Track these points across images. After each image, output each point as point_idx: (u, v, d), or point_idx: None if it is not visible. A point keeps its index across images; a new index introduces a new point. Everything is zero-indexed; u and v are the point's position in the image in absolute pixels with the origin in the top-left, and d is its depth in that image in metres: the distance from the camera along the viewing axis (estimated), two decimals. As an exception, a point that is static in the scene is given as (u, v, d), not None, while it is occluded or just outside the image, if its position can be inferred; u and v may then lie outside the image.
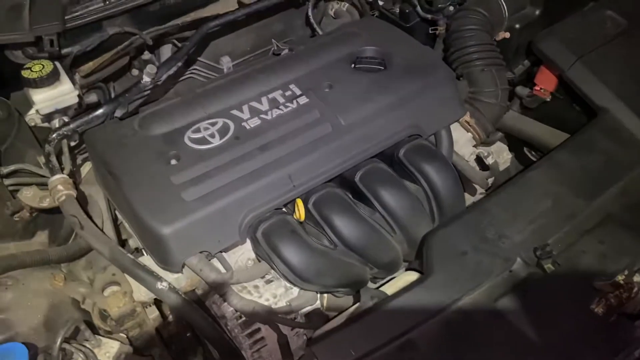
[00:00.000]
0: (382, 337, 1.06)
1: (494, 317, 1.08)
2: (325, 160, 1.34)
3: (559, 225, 1.19)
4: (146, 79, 1.44)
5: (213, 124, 1.37)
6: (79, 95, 1.39)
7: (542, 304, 1.09)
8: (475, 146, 1.64)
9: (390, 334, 1.06)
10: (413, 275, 1.28)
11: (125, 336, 1.27)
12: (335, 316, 1.26)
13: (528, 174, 1.31)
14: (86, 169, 1.56)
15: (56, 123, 1.39)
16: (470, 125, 1.59)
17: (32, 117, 1.45)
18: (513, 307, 1.09)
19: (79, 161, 1.55)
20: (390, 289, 1.26)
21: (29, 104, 1.39)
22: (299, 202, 1.29)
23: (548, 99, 1.69)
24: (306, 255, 1.24)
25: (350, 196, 1.36)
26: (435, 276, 1.14)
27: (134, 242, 1.47)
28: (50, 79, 1.32)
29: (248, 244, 1.31)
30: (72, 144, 1.42)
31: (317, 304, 1.33)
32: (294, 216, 1.31)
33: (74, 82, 1.39)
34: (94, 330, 1.28)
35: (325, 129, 1.38)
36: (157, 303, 1.37)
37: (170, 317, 1.47)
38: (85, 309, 1.33)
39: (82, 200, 1.34)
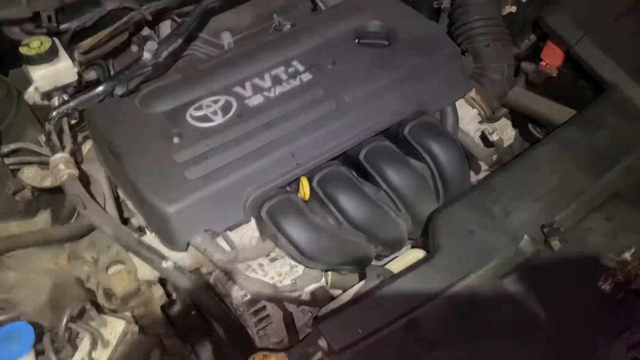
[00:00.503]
0: (387, 316, 1.06)
1: (500, 295, 1.08)
2: (329, 138, 1.33)
3: (566, 203, 1.18)
4: (146, 55, 1.41)
5: (215, 102, 1.35)
6: (78, 73, 1.36)
7: (549, 282, 1.08)
8: (480, 122, 1.62)
9: (395, 313, 1.06)
10: (418, 253, 1.28)
11: (130, 315, 1.26)
12: (341, 294, 1.26)
13: (534, 151, 1.29)
14: (87, 147, 1.55)
15: (55, 101, 1.36)
16: (475, 102, 1.56)
17: (31, 95, 1.43)
18: (520, 286, 1.08)
19: (79, 139, 1.53)
20: (395, 266, 1.26)
21: (28, 82, 1.36)
22: (304, 180, 1.28)
23: (554, 75, 1.66)
24: (311, 234, 1.23)
25: (355, 174, 1.35)
26: (441, 255, 1.13)
27: (136, 221, 1.46)
28: (49, 55, 1.29)
29: (252, 222, 1.31)
30: (73, 122, 1.40)
31: (322, 281, 1.33)
32: (299, 195, 1.30)
33: (72, 59, 1.37)
34: (99, 309, 1.28)
35: (329, 106, 1.36)
36: (162, 282, 1.37)
37: (175, 296, 1.48)
38: (89, 288, 1.33)
39: (84, 179, 1.33)
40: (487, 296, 1.07)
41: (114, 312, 1.30)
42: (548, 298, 1.06)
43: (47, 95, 1.38)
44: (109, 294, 1.28)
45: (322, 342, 1.10)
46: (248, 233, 1.36)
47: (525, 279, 1.09)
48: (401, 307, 1.06)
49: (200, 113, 1.32)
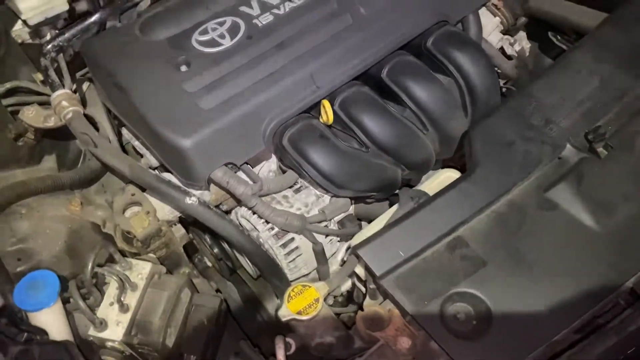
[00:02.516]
0: (430, 236, 1.01)
1: (546, 207, 1.02)
2: (348, 56, 1.23)
3: (608, 106, 1.11)
4: (140, -21, 1.29)
5: (221, 24, 1.24)
6: (69, 2, 1.24)
7: (597, 190, 1.02)
8: (502, 32, 1.52)
9: (437, 233, 1.01)
10: (451, 173, 1.21)
11: (154, 257, 1.21)
12: (372, 221, 1.21)
13: (571, 55, 1.21)
14: (83, 89, 1.44)
15: (47, 36, 1.25)
16: (498, 9, 1.46)
17: (19, 32, 1.32)
18: (566, 195, 1.02)
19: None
20: (428, 187, 1.20)
21: (15, 19, 1.25)
22: (326, 103, 1.19)
23: (580, -26, 1.54)
24: (337, 159, 1.16)
25: (378, 95, 1.26)
26: (481, 170, 1.06)
27: (145, 161, 1.38)
28: (35, -19, 1.17)
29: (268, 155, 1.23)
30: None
31: (351, 210, 1.27)
32: (321, 119, 1.22)
33: (61, -13, 1.24)
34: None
35: (344, 21, 1.25)
36: (182, 221, 1.30)
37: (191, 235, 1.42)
38: (107, 232, 1.27)
39: (90, 118, 1.24)
40: (533, 209, 1.02)
41: (135, 255, 1.24)
42: (597, 207, 1.01)
43: (37, 32, 1.27)
44: (128, 237, 1.22)
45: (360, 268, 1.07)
46: (265, 166, 1.29)
47: (571, 189, 1.03)
48: (443, 226, 1.01)
49: (206, 37, 1.22)
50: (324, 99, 1.21)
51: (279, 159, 1.25)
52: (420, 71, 1.25)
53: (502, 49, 1.57)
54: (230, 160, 1.15)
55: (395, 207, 1.17)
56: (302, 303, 0.98)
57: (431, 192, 1.14)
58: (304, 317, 0.97)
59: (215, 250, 1.40)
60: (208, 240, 1.39)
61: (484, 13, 1.45)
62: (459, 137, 1.25)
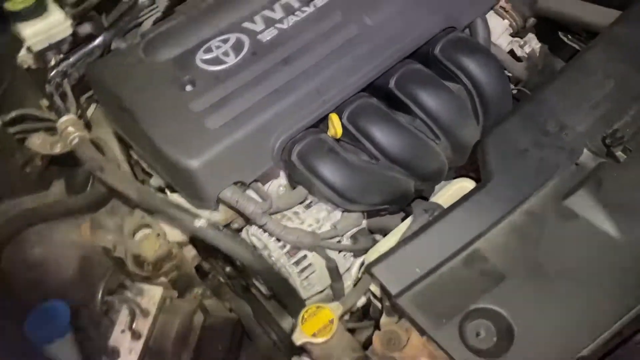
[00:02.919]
0: (446, 251, 0.98)
1: (565, 216, 0.98)
2: (355, 67, 1.21)
3: (625, 108, 1.07)
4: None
5: (225, 41, 1.23)
6: (72, 26, 1.24)
7: (618, 195, 0.99)
8: (511, 34, 1.49)
9: (454, 247, 0.98)
10: (464, 182, 1.18)
11: (165, 280, 1.19)
12: (386, 234, 1.18)
13: (584, 55, 1.17)
14: (90, 111, 1.44)
15: (52, 61, 1.25)
16: (506, 12, 1.43)
17: (23, 58, 1.31)
18: (585, 203, 0.99)
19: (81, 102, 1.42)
20: (442, 199, 1.17)
21: (19, 45, 1.25)
22: (334, 116, 1.17)
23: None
24: (348, 173, 1.14)
25: (386, 106, 1.24)
26: (495, 180, 1.03)
27: (154, 182, 1.37)
28: (38, 8, 1.17)
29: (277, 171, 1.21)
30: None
31: (364, 224, 1.24)
32: (329, 133, 1.19)
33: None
34: (131, 277, 1.21)
35: (350, 32, 1.23)
36: (193, 242, 1.29)
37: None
38: (117, 256, 1.26)
39: (96, 142, 1.23)
40: (552, 218, 0.98)
41: (146, 278, 1.23)
42: (618, 214, 0.97)
43: (42, 57, 1.26)
44: (139, 261, 1.20)
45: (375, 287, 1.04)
46: (274, 182, 1.27)
47: (591, 196, 0.99)
48: (460, 240, 0.98)
49: (210, 55, 1.21)
50: (331, 112, 1.19)
51: (288, 175, 1.23)
52: (429, 79, 1.23)
53: (511, 52, 1.54)
54: (239, 178, 1.14)
55: (408, 219, 1.15)
56: (316, 325, 0.96)
57: (445, 204, 1.11)
58: (319, 340, 0.94)
59: (228, 269, 1.38)
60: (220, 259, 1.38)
61: (492, 16, 1.43)
62: (471, 145, 1.23)
